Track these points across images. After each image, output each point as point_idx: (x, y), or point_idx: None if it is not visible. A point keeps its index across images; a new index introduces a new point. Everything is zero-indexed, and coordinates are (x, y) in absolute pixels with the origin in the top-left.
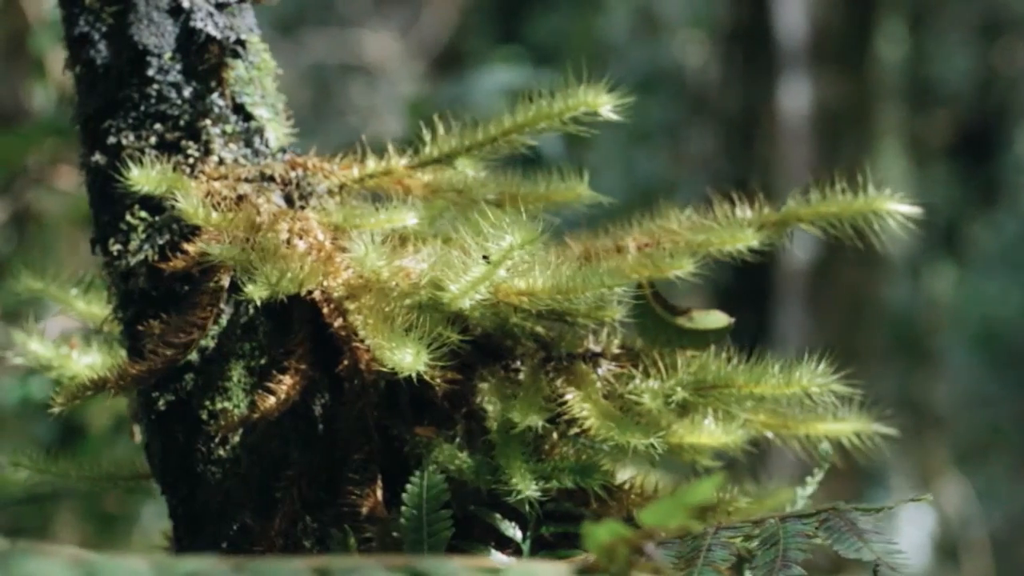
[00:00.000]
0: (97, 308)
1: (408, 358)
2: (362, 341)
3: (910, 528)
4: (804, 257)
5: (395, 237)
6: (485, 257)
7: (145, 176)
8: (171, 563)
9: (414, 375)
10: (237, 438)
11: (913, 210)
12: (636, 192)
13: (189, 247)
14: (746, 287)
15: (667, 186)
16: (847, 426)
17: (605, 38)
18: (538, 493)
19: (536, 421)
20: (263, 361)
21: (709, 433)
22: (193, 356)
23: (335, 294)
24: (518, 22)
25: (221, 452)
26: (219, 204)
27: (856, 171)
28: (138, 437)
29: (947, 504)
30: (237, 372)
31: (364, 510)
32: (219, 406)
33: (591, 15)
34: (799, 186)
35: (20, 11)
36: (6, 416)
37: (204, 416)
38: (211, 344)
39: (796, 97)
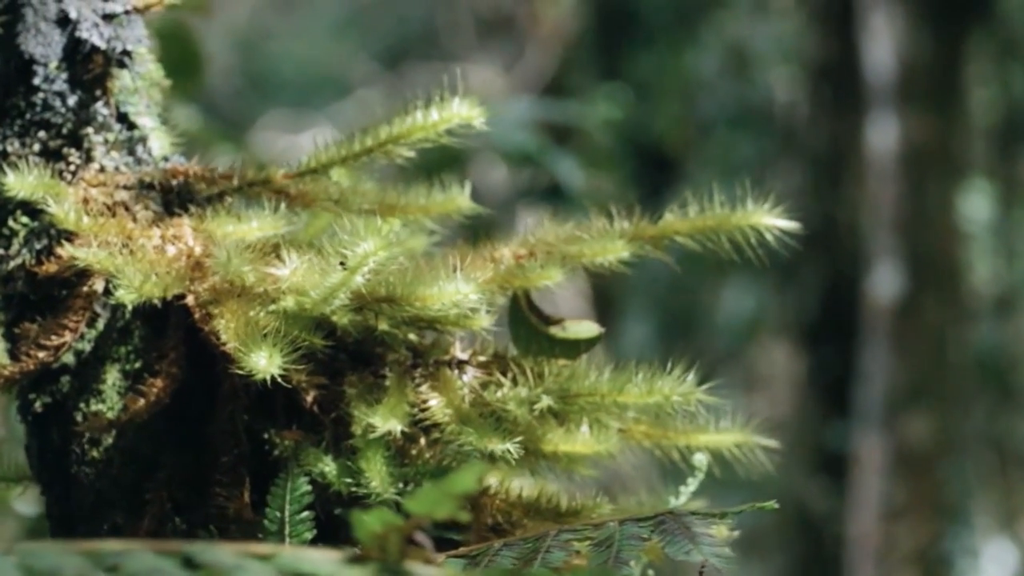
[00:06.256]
0: None
1: (262, 361)
2: (225, 344)
3: (993, 567)
4: (890, 295)
5: (267, 245)
6: (342, 263)
7: (21, 182)
8: None
9: (267, 379)
10: (110, 439)
11: (792, 225)
12: None
13: (61, 252)
14: (832, 325)
15: None
16: (728, 437)
17: (698, 74)
18: (396, 496)
19: (396, 426)
20: (138, 364)
21: (583, 442)
22: (69, 359)
23: (203, 299)
24: (618, 58)
25: (95, 453)
26: (94, 210)
27: (944, 209)
28: None
29: None
30: (112, 375)
31: (231, 512)
32: (93, 408)
33: (684, 52)
34: (887, 224)
35: None
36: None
37: (79, 418)
38: (87, 347)
39: (884, 134)
